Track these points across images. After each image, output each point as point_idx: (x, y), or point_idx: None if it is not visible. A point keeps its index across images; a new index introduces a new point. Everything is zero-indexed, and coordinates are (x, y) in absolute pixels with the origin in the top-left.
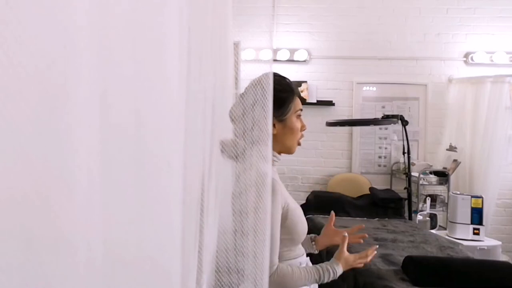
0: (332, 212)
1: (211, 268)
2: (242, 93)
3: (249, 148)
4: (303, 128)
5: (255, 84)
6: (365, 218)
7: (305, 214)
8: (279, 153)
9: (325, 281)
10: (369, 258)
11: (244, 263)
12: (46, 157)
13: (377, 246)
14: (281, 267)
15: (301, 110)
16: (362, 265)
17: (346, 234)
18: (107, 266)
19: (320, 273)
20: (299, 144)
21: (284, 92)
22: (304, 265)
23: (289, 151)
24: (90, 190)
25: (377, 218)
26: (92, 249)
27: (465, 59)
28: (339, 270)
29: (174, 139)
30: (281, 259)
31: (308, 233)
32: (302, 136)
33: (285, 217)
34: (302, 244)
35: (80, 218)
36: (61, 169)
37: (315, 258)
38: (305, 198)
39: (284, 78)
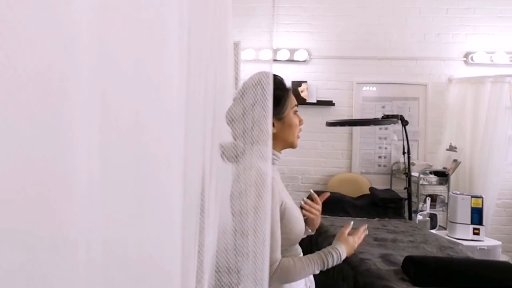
0: (350, 223)
1: (211, 268)
2: (240, 95)
3: (249, 148)
4: (300, 122)
5: (255, 84)
6: (365, 218)
7: None
8: (282, 150)
9: (330, 265)
10: (362, 236)
11: (244, 263)
12: (46, 157)
13: (367, 226)
14: (283, 262)
15: (297, 105)
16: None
17: (352, 222)
18: (107, 266)
19: (323, 259)
20: (298, 137)
21: (278, 90)
22: None
23: (291, 146)
24: (90, 190)
25: (377, 218)
26: (92, 249)
27: (465, 59)
28: (343, 250)
29: (174, 139)
30: None
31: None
32: (300, 130)
33: (282, 216)
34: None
35: (80, 218)
36: (61, 169)
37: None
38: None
39: (276, 76)
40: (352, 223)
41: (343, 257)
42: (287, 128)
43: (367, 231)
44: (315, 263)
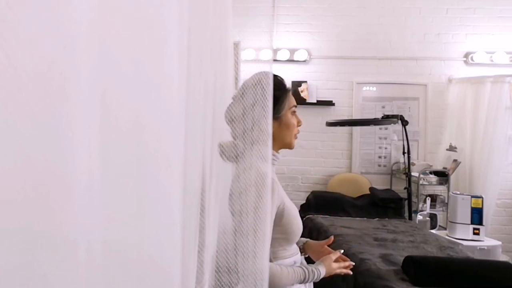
0: (331, 237)
1: (211, 268)
2: (240, 94)
3: (249, 148)
4: (299, 123)
5: (255, 84)
6: (365, 218)
7: (305, 214)
8: (279, 150)
9: (309, 281)
10: (348, 270)
11: (244, 263)
12: (46, 157)
13: (352, 264)
14: (270, 266)
15: (296, 106)
16: (342, 273)
17: (342, 251)
18: (107, 266)
19: (306, 274)
20: (295, 138)
21: (277, 90)
22: (298, 263)
23: (288, 146)
24: (90, 190)
25: (377, 218)
26: (92, 249)
27: (465, 59)
28: (323, 272)
29: (174, 139)
30: (276, 258)
31: (308, 232)
32: (298, 131)
33: (281, 216)
34: None
35: (80, 218)
36: (61, 169)
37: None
38: (305, 198)
39: (276, 76)
40: (342, 251)
41: (320, 277)
42: (284, 128)
43: (367, 233)
44: (298, 276)
